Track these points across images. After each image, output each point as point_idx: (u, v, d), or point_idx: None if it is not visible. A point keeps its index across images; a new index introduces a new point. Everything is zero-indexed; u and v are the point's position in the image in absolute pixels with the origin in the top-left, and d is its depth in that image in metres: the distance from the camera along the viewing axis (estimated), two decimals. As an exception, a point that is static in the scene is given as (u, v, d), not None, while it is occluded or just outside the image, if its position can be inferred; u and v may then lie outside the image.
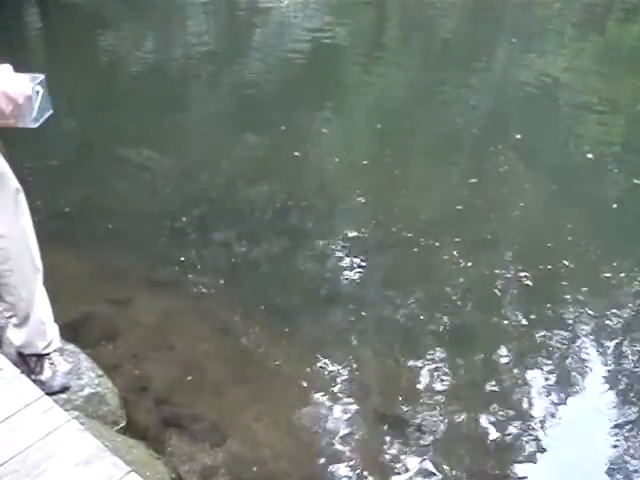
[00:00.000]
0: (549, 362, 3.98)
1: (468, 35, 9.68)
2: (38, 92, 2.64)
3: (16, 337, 3.21)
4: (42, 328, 3.18)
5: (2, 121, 2.68)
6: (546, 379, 3.86)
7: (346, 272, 4.75)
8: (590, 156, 5.98)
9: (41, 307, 3.15)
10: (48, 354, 3.26)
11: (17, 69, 2.74)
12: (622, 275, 4.62)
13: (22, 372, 2.97)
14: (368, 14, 10.90)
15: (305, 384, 3.78)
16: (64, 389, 3.31)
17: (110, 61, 8.91)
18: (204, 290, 4.50)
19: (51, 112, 2.71)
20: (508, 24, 10.02)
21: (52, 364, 3.28)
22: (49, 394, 3.04)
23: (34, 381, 3.08)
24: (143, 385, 3.70)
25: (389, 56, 8.98)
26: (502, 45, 9.07)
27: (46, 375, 3.26)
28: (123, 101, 7.66)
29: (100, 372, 3.47)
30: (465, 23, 10.32)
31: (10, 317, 3.31)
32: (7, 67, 2.62)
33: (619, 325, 4.25)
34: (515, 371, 3.93)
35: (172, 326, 4.17)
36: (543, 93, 7.51)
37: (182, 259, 4.82)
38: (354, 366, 3.93)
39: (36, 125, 2.67)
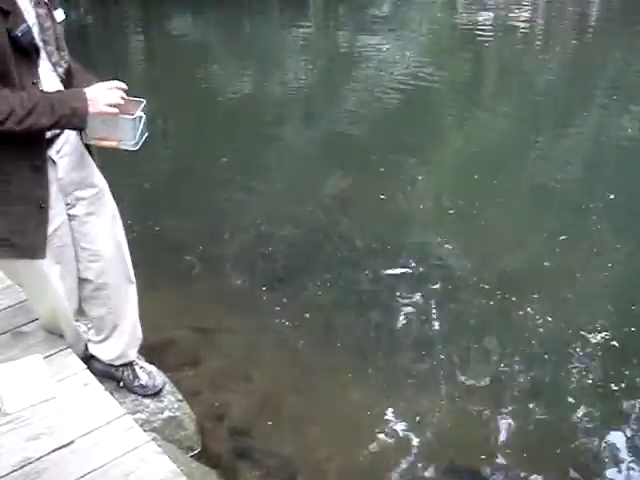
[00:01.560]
0: (631, 429, 3.84)
1: (566, 87, 9.57)
2: (141, 117, 2.75)
3: (106, 351, 3.31)
4: (136, 336, 3.30)
5: (106, 142, 2.81)
6: (627, 448, 3.72)
7: (424, 318, 4.71)
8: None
9: (134, 318, 3.26)
10: (134, 360, 3.36)
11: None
12: None
13: (106, 389, 3.04)
14: (466, 62, 10.90)
15: (381, 429, 3.75)
16: (164, 384, 3.44)
17: (208, 93, 9.12)
18: (287, 324, 4.53)
19: (147, 134, 2.83)
20: (609, 78, 9.87)
21: (142, 367, 3.38)
22: (155, 394, 3.33)
23: (132, 389, 3.33)
24: (220, 414, 3.74)
25: (485, 105, 8.95)
26: (601, 99, 8.93)
27: (144, 378, 3.37)
28: (218, 132, 7.84)
29: (180, 397, 3.52)
30: (564, 75, 10.21)
31: (90, 332, 3.40)
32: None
33: None
34: (593, 435, 3.78)
35: (253, 358, 4.21)
36: (640, 153, 7.37)
37: (264, 288, 4.89)
38: (430, 414, 3.87)
39: (137, 148, 2.78)
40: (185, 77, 9.68)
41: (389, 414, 3.85)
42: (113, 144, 2.79)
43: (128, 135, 2.74)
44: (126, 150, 2.77)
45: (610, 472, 3.57)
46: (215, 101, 8.91)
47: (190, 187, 6.44)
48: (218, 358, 4.19)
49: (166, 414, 3.38)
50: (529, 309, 4.69)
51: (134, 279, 3.21)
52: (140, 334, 3.33)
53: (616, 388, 4.07)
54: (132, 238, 3.31)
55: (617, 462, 3.63)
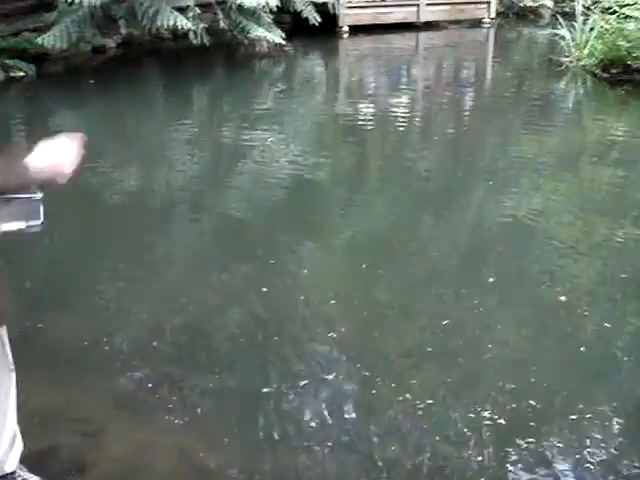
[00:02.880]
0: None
1: (446, 174, 9.97)
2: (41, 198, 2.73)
3: None
4: (17, 442, 3.14)
5: (12, 226, 2.73)
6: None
7: (306, 409, 4.70)
8: (563, 299, 6.04)
9: (14, 420, 3.11)
10: (14, 472, 3.19)
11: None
12: (592, 413, 4.59)
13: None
14: (349, 152, 11.24)
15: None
16: None
17: (93, 188, 9.02)
18: (179, 422, 4.44)
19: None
20: (485, 166, 10.32)
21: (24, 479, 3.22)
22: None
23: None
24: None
25: (369, 194, 9.17)
26: (478, 186, 9.31)
27: None
28: (104, 227, 7.76)
29: (66, 507, 3.39)
30: (443, 162, 10.66)
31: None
32: None
33: (598, 460, 4.18)
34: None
35: (144, 462, 4.07)
36: (517, 234, 7.66)
37: (150, 385, 4.80)
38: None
39: (40, 229, 2.76)
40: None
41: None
42: (22, 226, 2.74)
43: (36, 215, 2.79)
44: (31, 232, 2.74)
45: None
46: (101, 196, 8.85)
47: (75, 284, 6.30)
48: (107, 463, 4.03)
49: (51, 527, 3.23)
50: (409, 395, 4.73)
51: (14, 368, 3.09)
52: (21, 441, 3.18)
53: (509, 467, 4.15)
54: (13, 340, 3.22)
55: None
